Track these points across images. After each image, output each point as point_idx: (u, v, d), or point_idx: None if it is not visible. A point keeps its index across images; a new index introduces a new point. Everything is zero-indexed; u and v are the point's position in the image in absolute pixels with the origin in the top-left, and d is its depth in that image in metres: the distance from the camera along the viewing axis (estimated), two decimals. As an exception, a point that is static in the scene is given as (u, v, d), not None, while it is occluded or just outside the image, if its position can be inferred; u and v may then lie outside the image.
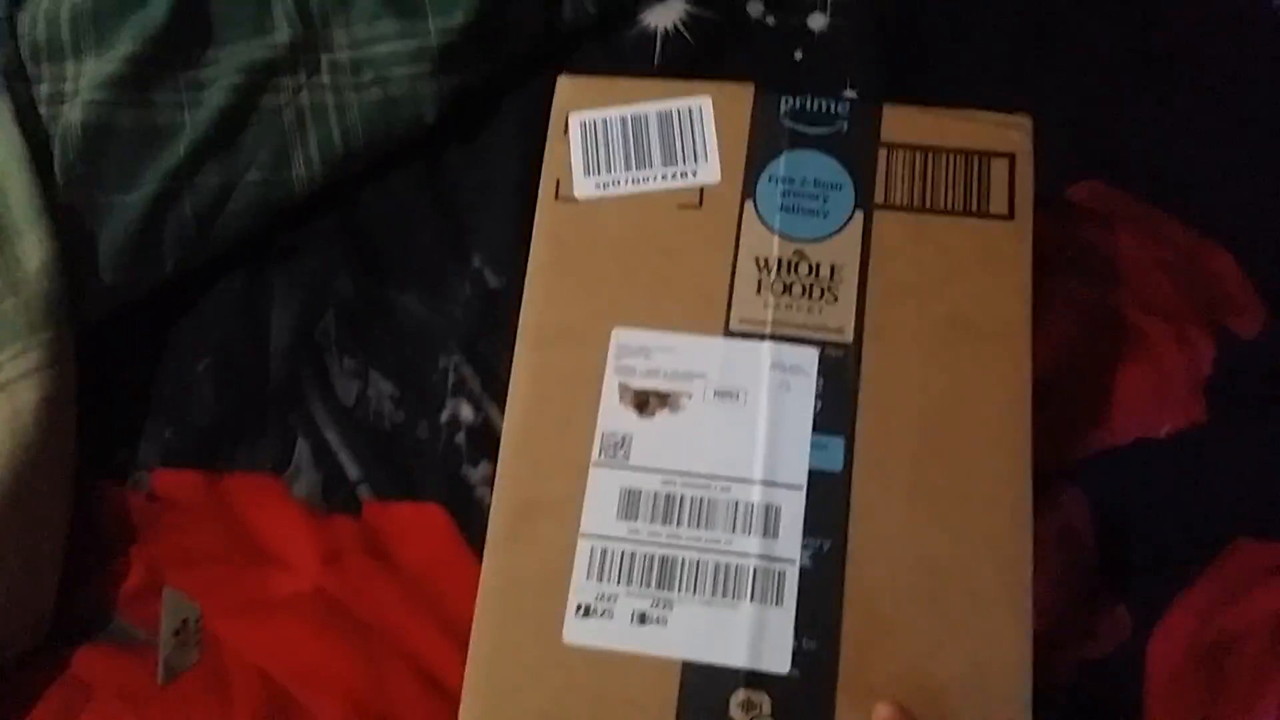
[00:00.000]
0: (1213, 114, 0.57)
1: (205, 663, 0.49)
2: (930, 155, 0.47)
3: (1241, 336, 0.52)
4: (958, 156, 0.46)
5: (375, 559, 0.50)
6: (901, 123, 0.47)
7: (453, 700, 0.42)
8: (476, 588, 0.43)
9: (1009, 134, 0.47)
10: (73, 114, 0.54)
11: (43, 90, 0.55)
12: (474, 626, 0.42)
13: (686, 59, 0.58)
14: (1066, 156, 0.54)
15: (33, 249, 0.51)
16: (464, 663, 0.42)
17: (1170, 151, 0.56)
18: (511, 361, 0.46)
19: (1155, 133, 0.56)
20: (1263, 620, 0.47)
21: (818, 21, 0.59)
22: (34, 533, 0.48)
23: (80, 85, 0.55)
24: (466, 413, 0.53)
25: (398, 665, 0.48)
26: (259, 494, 0.52)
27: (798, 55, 0.59)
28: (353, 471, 0.52)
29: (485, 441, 0.52)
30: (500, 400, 0.47)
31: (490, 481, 0.45)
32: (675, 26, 0.59)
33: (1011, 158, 0.46)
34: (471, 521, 0.50)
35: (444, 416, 0.53)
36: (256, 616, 0.49)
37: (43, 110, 0.55)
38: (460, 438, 0.52)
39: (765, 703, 0.40)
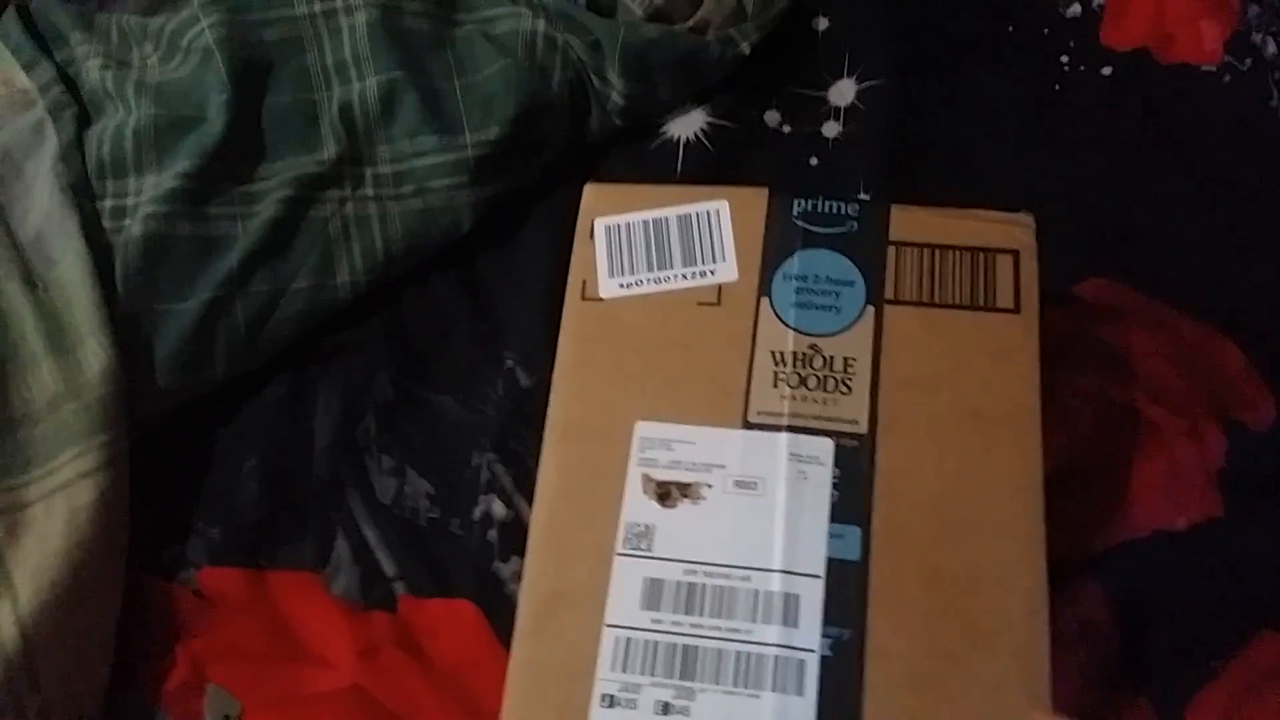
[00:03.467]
0: (1216, 207, 0.57)
1: (245, 759, 0.48)
2: (937, 252, 0.48)
3: (1252, 429, 0.52)
4: (964, 253, 0.48)
5: (410, 655, 0.51)
6: (909, 222, 0.49)
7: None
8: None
9: (1013, 231, 0.48)
10: (134, 227, 0.56)
11: (107, 205, 0.57)
12: (501, 718, 0.42)
13: (707, 167, 0.60)
14: (1074, 254, 0.54)
15: (94, 355, 0.53)
16: (492, 760, 0.42)
17: (1175, 246, 0.56)
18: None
19: (1160, 228, 0.57)
20: (1292, 715, 0.46)
21: (831, 129, 0.62)
22: (87, 629, 0.49)
23: (141, 200, 0.57)
24: (498, 509, 0.53)
25: (429, 762, 0.48)
26: (299, 591, 0.53)
27: (813, 161, 0.61)
28: (389, 568, 0.53)
29: (516, 537, 0.52)
30: (530, 496, 0.48)
31: (520, 577, 0.45)
32: (696, 136, 0.62)
33: (1016, 254, 0.47)
34: (502, 617, 0.50)
35: (476, 513, 0.53)
36: (295, 713, 0.50)
37: (106, 224, 0.57)
38: (492, 534, 0.53)
39: (787, 793, 0.40)
